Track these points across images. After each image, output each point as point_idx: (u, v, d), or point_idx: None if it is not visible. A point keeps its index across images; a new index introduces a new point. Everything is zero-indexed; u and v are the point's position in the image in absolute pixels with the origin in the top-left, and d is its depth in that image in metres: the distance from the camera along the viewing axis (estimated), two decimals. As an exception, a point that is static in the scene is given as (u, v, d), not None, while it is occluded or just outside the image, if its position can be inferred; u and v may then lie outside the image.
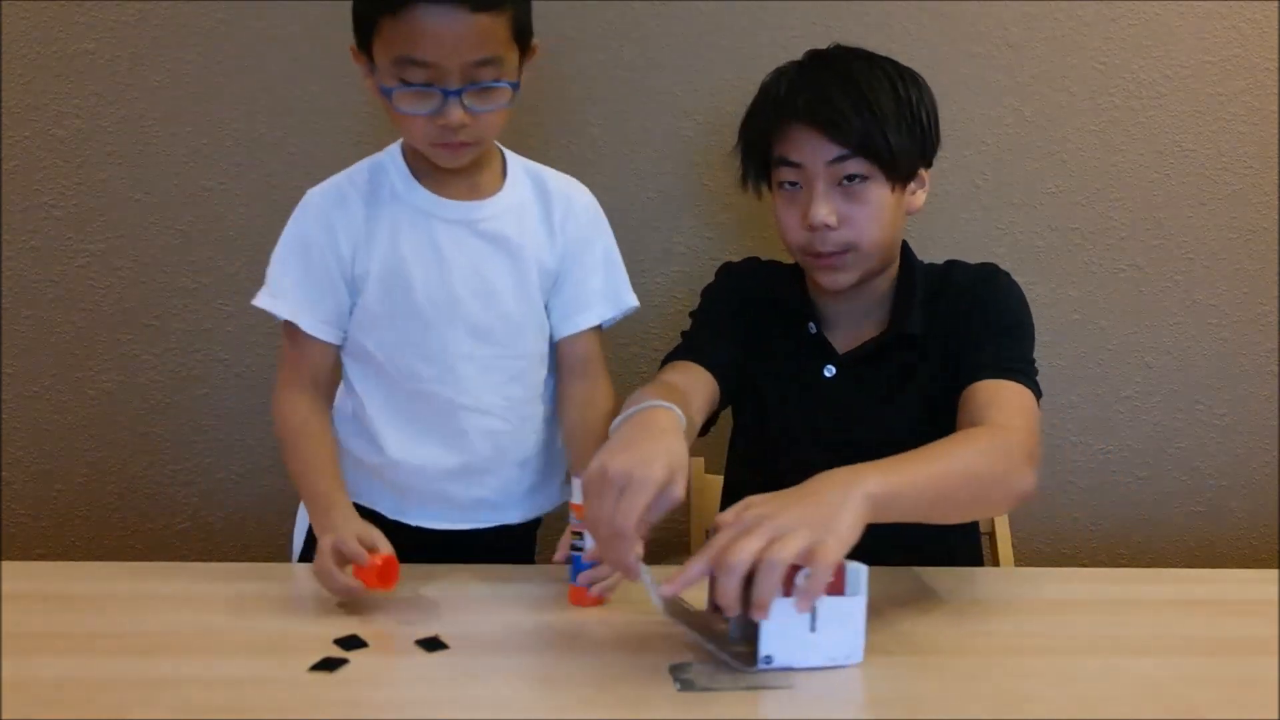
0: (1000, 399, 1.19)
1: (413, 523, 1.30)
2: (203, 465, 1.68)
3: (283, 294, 1.23)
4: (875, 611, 0.98)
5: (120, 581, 1.19)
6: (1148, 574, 1.37)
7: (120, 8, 1.59)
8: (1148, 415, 1.69)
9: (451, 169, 1.23)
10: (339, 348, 1.27)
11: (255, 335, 1.64)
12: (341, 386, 1.32)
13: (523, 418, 1.30)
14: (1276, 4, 1.61)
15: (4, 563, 1.20)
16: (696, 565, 0.92)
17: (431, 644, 0.99)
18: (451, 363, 1.25)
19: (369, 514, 1.27)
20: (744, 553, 0.89)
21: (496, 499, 1.31)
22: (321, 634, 1.02)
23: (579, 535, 1.10)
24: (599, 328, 1.32)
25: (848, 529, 0.93)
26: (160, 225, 1.62)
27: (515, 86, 1.18)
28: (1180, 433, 1.69)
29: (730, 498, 1.41)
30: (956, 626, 1.06)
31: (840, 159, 1.23)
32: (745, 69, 1.34)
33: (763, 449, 1.37)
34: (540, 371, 1.32)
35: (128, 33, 1.59)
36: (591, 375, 1.32)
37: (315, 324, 1.23)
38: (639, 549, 0.96)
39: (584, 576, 1.09)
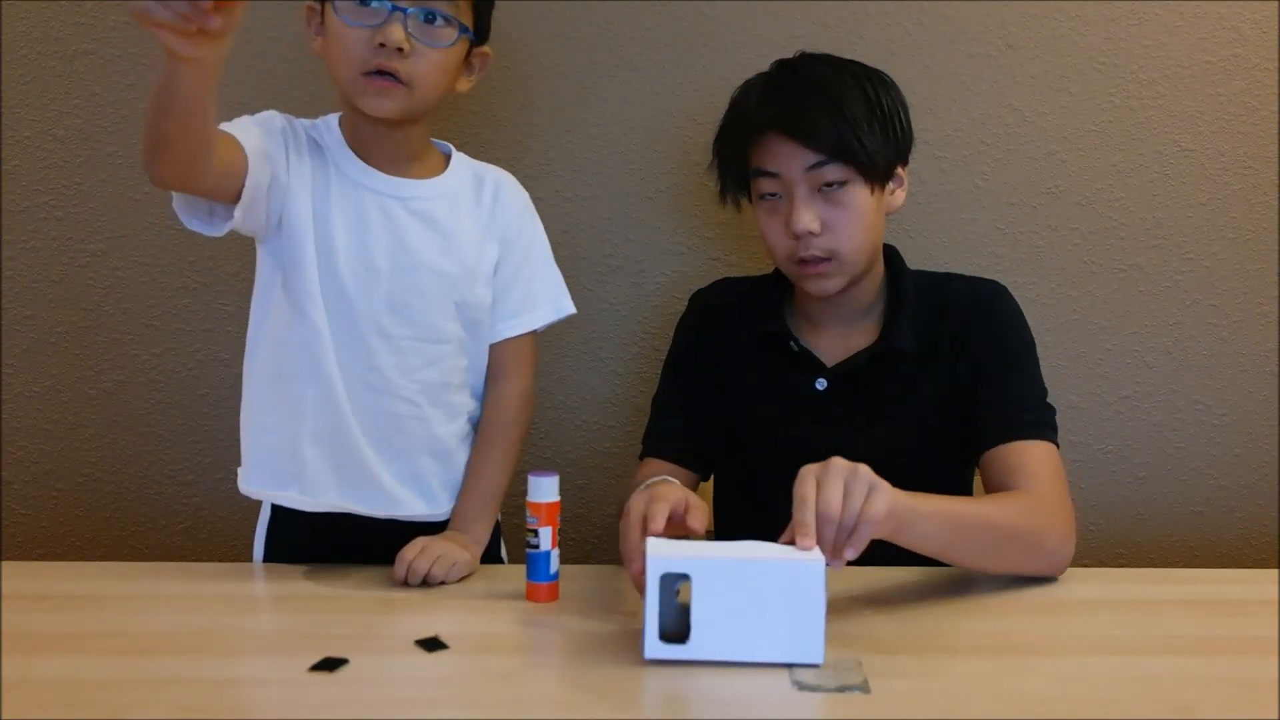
0: (1031, 466, 1.21)
1: (318, 507, 1.24)
2: (203, 465, 1.68)
3: (239, 121, 1.20)
4: (876, 610, 0.98)
5: (120, 581, 1.19)
6: (1147, 574, 1.37)
7: (120, 8, 1.58)
8: (1147, 415, 1.69)
9: (385, 143, 1.24)
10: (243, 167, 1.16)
11: (255, 335, 1.64)
12: (258, 371, 1.27)
13: (435, 404, 1.27)
14: (1276, 4, 1.61)
15: (4, 563, 1.21)
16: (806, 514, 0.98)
17: (431, 644, 0.99)
18: (367, 339, 1.23)
19: (287, 513, 1.27)
20: (833, 504, 0.98)
21: (402, 487, 1.26)
22: (321, 634, 1.02)
23: (533, 533, 1.11)
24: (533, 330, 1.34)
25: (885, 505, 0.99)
26: (160, 225, 1.62)
27: (464, 33, 1.21)
28: (1180, 433, 1.69)
29: (720, 512, 1.41)
30: (956, 626, 1.06)
31: (818, 165, 1.23)
32: (745, 69, 1.34)
33: (754, 466, 1.36)
34: (460, 360, 1.29)
35: (128, 33, 1.59)
36: (510, 375, 1.33)
37: (250, 139, 1.17)
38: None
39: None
